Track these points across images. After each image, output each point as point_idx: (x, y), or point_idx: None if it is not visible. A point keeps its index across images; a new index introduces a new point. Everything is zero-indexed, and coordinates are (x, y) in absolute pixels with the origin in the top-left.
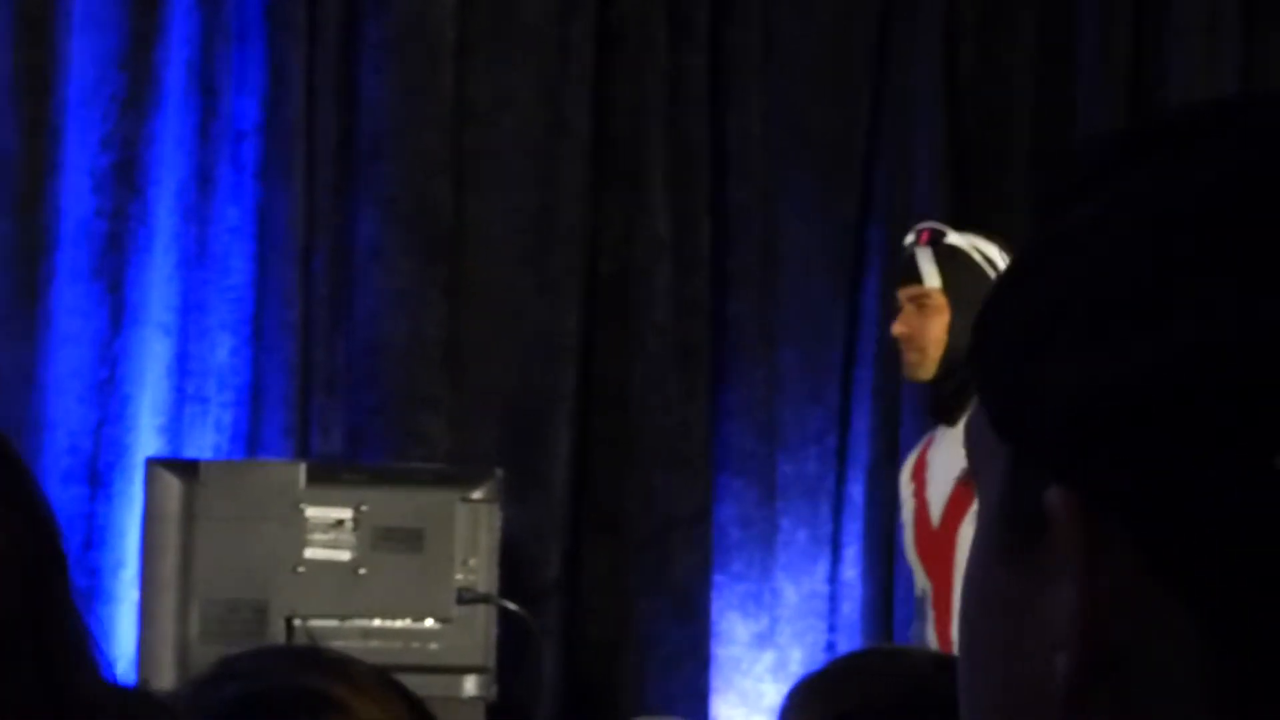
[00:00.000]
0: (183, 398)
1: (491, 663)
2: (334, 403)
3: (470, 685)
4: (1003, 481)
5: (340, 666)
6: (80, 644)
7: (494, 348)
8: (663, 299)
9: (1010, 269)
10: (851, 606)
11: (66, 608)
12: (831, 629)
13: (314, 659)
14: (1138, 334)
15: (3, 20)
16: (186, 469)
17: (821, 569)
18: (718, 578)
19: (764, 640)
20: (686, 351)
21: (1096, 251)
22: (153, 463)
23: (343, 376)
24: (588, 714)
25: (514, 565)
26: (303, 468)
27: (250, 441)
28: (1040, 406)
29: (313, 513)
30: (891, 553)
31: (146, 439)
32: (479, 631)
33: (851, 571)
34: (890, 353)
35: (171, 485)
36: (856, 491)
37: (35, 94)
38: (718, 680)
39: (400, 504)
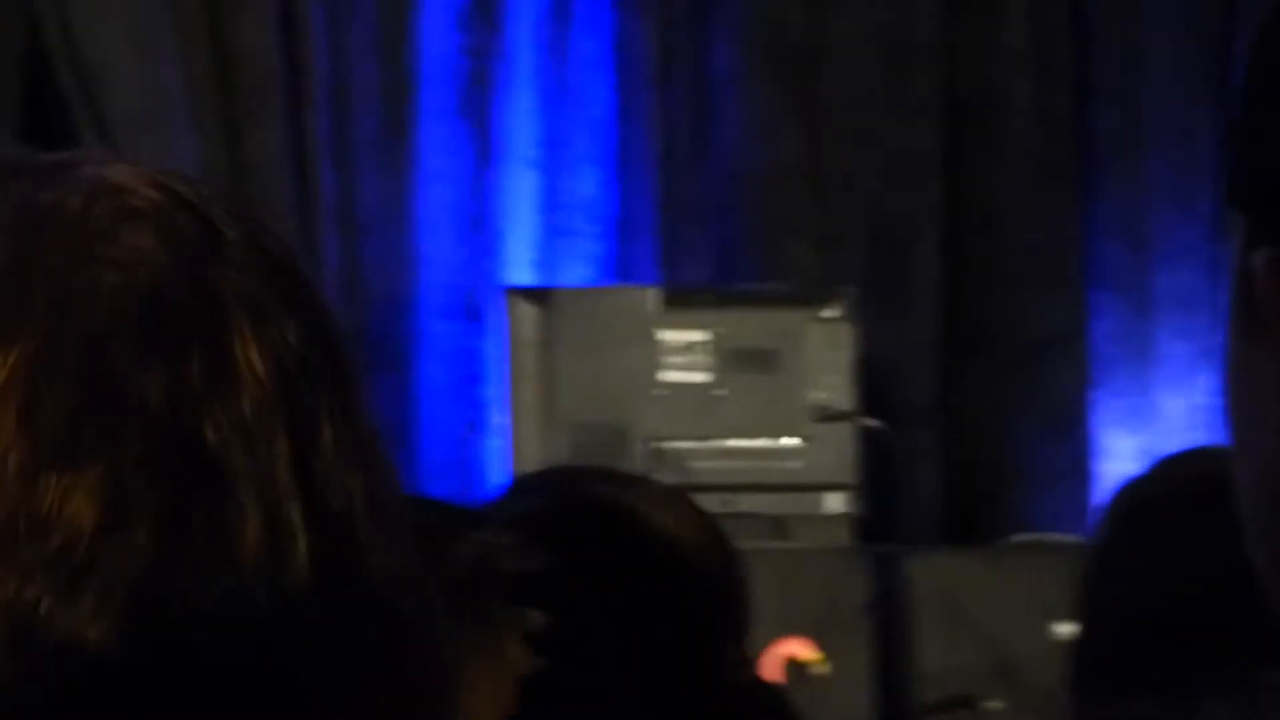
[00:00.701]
0: (550, 231)
1: (855, 479)
2: (698, 231)
3: (834, 502)
4: (1238, 256)
5: (630, 479)
6: (361, 464)
7: (854, 171)
8: (1024, 115)
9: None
10: None
11: (342, 423)
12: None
13: (605, 474)
14: None
15: None
16: (543, 296)
17: (1203, 382)
18: (1095, 394)
19: (1148, 456)
20: (1052, 167)
21: None
22: (511, 292)
23: (706, 205)
24: (963, 533)
25: (884, 386)
26: (657, 292)
27: (619, 271)
28: (1252, 166)
29: (668, 336)
30: None
31: (518, 272)
32: (840, 449)
33: None
34: None
35: (529, 313)
36: None
37: None
38: (1100, 497)
39: (754, 325)
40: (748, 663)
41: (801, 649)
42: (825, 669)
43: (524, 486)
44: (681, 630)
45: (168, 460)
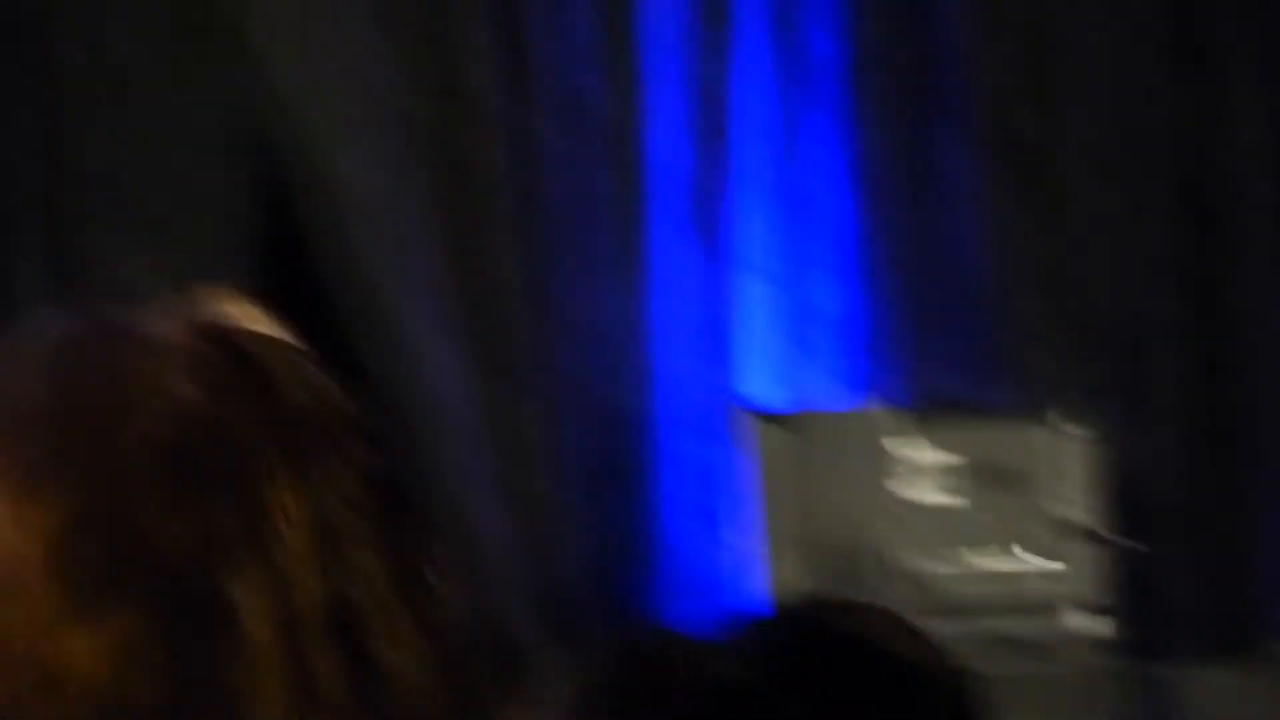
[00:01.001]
0: (789, 343)
1: (1107, 600)
2: (939, 340)
3: (1084, 622)
4: None
5: (856, 612)
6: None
7: (1094, 274)
8: (1262, 208)
9: None
10: None
11: (396, 572)
12: None
13: (827, 605)
14: None
15: None
16: (782, 418)
17: None
18: None
19: None
20: None
21: None
22: (749, 413)
23: (944, 313)
24: (1222, 646)
25: (1131, 497)
26: (896, 411)
27: (859, 383)
28: None
29: (911, 456)
30: None
31: (754, 385)
32: (1089, 567)
33: None
34: None
35: (769, 434)
36: None
37: (622, 45)
38: None
39: (997, 442)
40: None
41: None
42: None
43: (757, 621)
44: None
45: (184, 613)
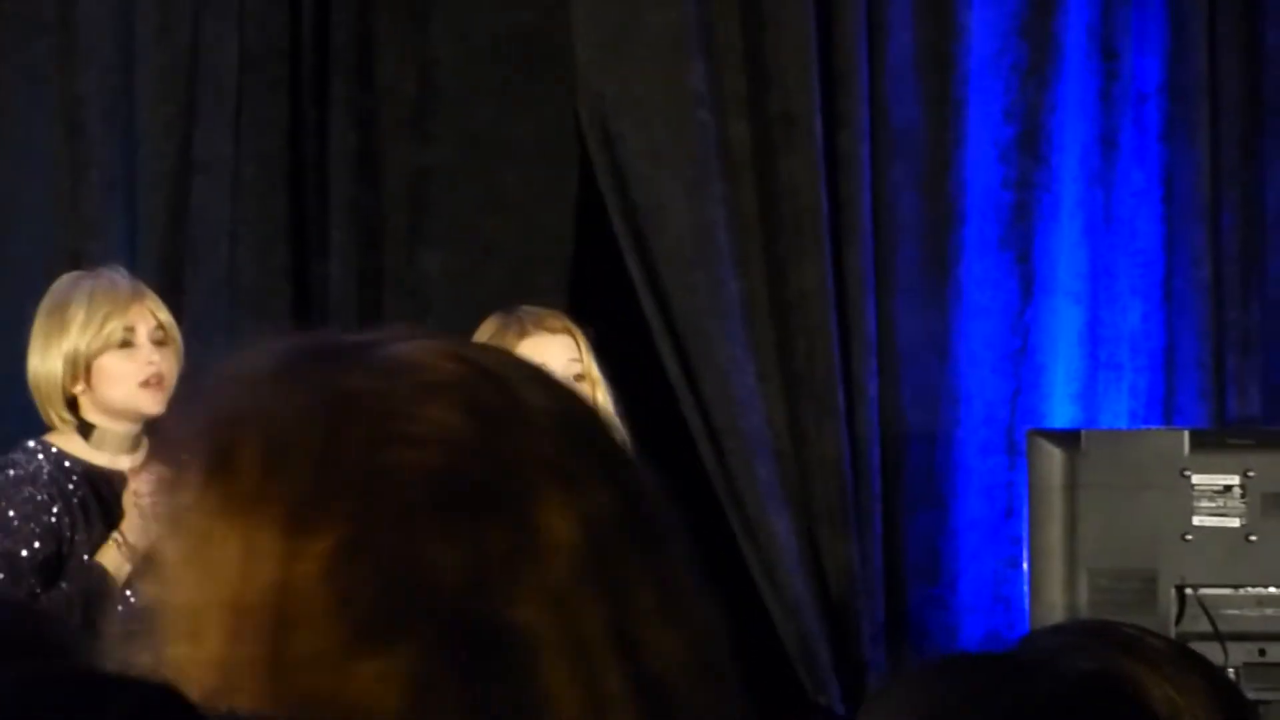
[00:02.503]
0: (1095, 364)
1: None
2: (1249, 363)
3: None
4: None
5: (1134, 642)
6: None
7: None
8: None
9: None
10: None
11: (661, 585)
12: None
13: (1105, 634)
14: None
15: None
16: (1068, 439)
17: None
18: None
19: None
20: None
21: None
22: (1033, 433)
23: (1258, 336)
24: None
25: None
26: (1186, 434)
27: (1165, 406)
28: None
29: (1199, 479)
30: None
31: (1060, 407)
32: None
33: None
34: None
35: (1053, 455)
36: None
37: (937, 68)
38: None
39: None
40: None
41: None
42: None
43: (1022, 646)
44: None
45: (470, 640)
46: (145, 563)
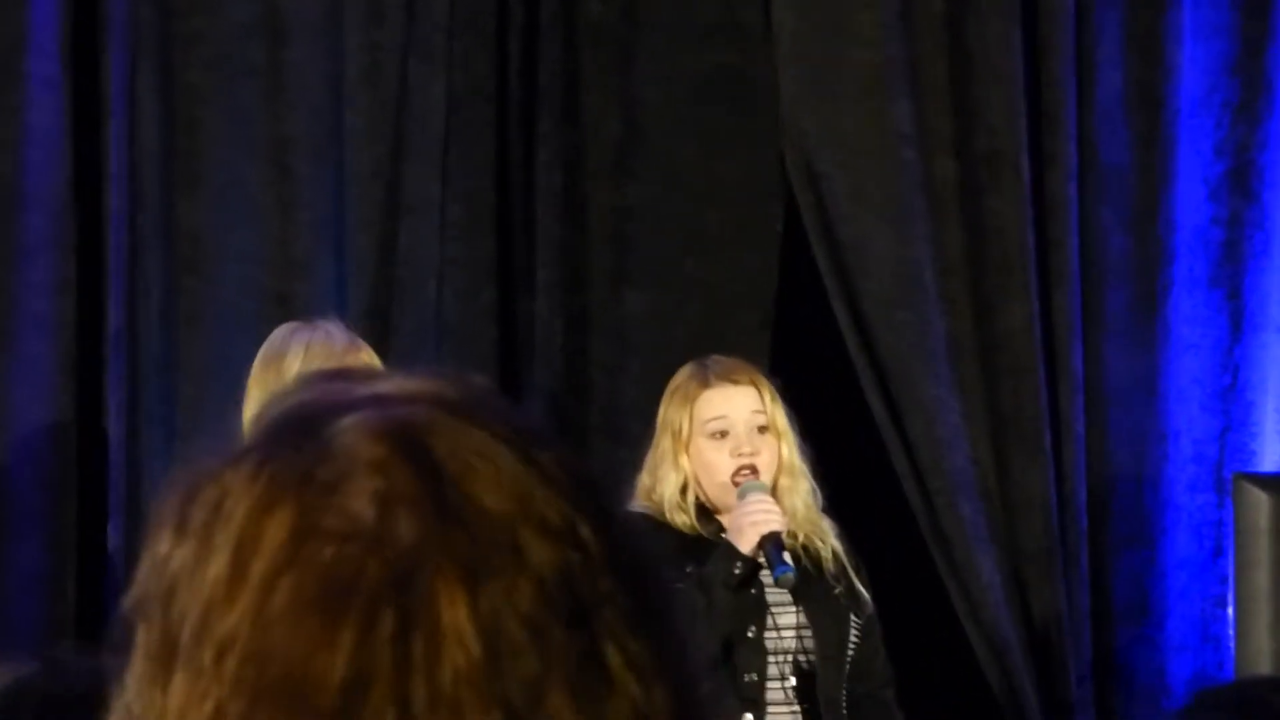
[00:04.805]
0: None
1: None
2: None
3: None
4: None
5: None
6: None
7: None
8: None
9: None
10: None
11: (592, 672)
12: None
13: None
14: None
15: (1111, 36)
16: (1275, 483)
17: None
18: None
19: None
20: None
21: None
22: (1239, 477)
23: None
24: None
25: None
26: None
27: None
28: None
29: None
30: None
31: (1272, 446)
32: None
33: None
34: None
35: (1259, 499)
36: None
37: (1147, 106)
38: None
39: None
40: None
41: None
42: None
43: (1207, 700)
44: None
45: None
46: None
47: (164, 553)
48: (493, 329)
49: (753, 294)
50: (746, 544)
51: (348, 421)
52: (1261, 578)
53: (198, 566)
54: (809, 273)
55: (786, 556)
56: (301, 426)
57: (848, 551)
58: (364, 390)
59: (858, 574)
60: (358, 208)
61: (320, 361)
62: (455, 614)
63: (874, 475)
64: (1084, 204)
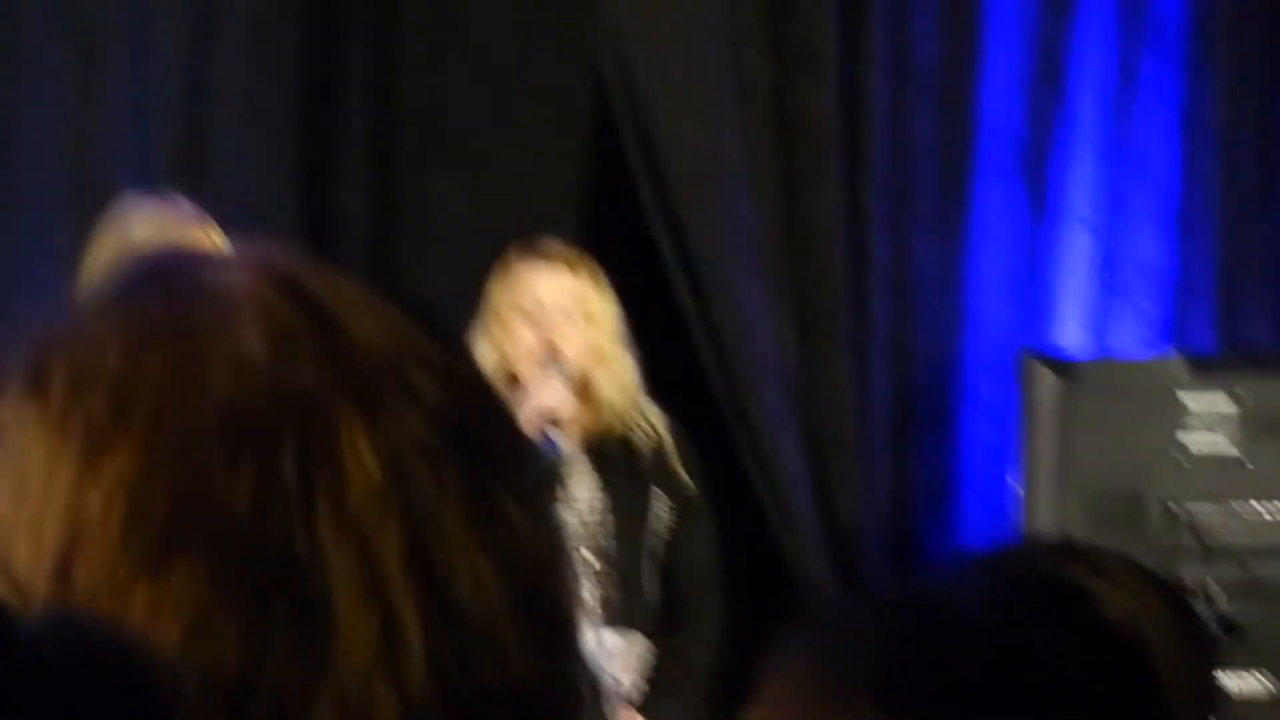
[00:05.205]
0: (1105, 291)
1: None
2: (1260, 291)
3: None
4: None
5: (1092, 558)
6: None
7: None
8: None
9: None
10: None
11: (478, 509)
12: None
13: (1064, 550)
14: None
15: None
16: (1061, 364)
17: None
18: None
19: None
20: None
21: None
22: (1027, 356)
23: (1269, 265)
24: None
25: None
26: (1181, 359)
27: (1173, 332)
28: None
29: (1192, 403)
30: None
31: (1069, 333)
32: None
33: None
34: None
35: (1045, 377)
36: None
37: (957, 1)
38: None
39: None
40: None
41: None
42: None
43: (981, 564)
44: None
45: (254, 567)
46: None
47: (7, 416)
48: (298, 214)
49: (562, 183)
50: (522, 422)
51: (218, 267)
52: (1046, 455)
53: (64, 420)
54: (618, 161)
55: (555, 436)
56: (167, 274)
57: (678, 442)
58: (217, 252)
59: (686, 466)
60: (165, 90)
61: (166, 232)
62: (354, 442)
63: (679, 363)
64: (894, 96)
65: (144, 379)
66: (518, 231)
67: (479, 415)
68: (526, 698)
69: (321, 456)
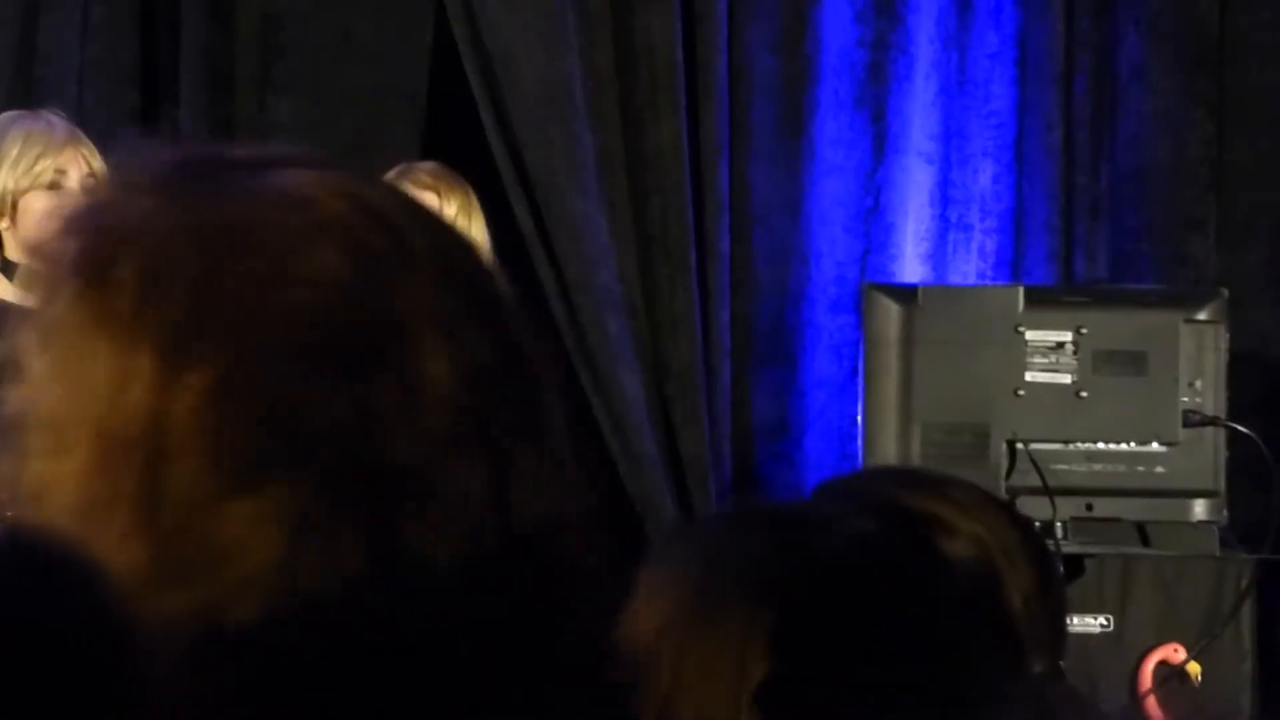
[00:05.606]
0: (945, 225)
1: (1221, 486)
2: (1098, 227)
3: (1199, 509)
4: None
5: (941, 486)
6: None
7: (1260, 165)
8: None
9: None
10: None
11: (534, 438)
12: None
13: (914, 479)
14: None
15: None
16: (904, 293)
17: None
18: None
19: None
20: None
21: None
22: (869, 287)
23: (1106, 200)
24: None
25: (1246, 387)
26: (1021, 291)
27: (1013, 267)
28: None
29: (1032, 336)
30: None
31: (910, 266)
32: (1207, 455)
33: None
34: None
35: (888, 308)
36: None
37: None
38: None
39: (1121, 326)
40: (1054, 679)
41: (1173, 654)
42: (1198, 674)
43: (831, 490)
44: (959, 654)
45: (352, 484)
46: (9, 369)
47: (60, 311)
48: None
49: (403, 103)
50: None
51: (290, 176)
52: (889, 387)
53: (138, 319)
54: (459, 83)
55: None
56: (233, 172)
57: None
58: (268, 152)
59: None
60: None
61: (39, 148)
62: (438, 369)
63: (520, 290)
64: (733, 23)
65: (224, 286)
66: (362, 155)
67: (529, 347)
68: (583, 614)
69: (407, 379)
